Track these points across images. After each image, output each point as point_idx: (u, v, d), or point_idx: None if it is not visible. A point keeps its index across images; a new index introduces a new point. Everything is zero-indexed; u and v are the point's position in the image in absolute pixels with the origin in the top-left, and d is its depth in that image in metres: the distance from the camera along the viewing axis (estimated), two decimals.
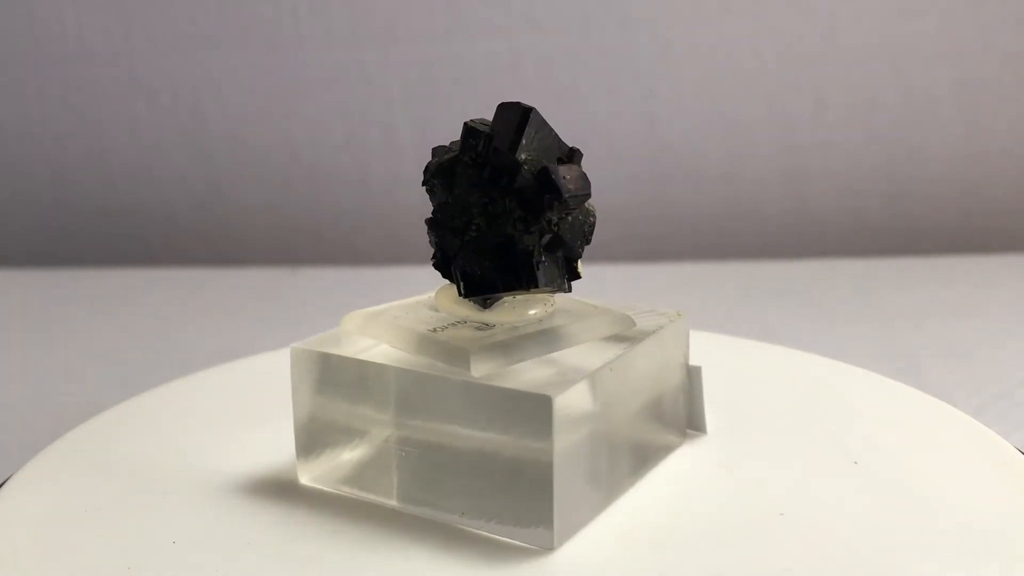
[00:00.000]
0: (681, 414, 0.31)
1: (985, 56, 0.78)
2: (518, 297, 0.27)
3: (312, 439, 0.29)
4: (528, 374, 0.26)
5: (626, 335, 0.28)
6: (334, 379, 0.28)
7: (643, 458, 0.29)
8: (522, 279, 0.26)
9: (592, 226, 0.27)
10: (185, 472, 0.30)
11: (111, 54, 0.85)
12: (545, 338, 0.27)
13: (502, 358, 0.26)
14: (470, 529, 0.26)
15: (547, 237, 0.26)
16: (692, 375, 0.31)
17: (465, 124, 0.26)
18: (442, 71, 0.82)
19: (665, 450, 0.30)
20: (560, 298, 0.29)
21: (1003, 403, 0.48)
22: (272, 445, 0.31)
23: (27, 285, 0.80)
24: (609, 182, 0.83)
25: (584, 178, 0.26)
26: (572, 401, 0.25)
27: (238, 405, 0.35)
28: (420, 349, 0.27)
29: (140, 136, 0.87)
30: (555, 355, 0.27)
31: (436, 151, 0.27)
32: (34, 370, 0.58)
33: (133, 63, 0.85)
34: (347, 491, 0.28)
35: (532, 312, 0.27)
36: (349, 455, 0.28)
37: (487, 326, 0.27)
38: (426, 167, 0.27)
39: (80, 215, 0.89)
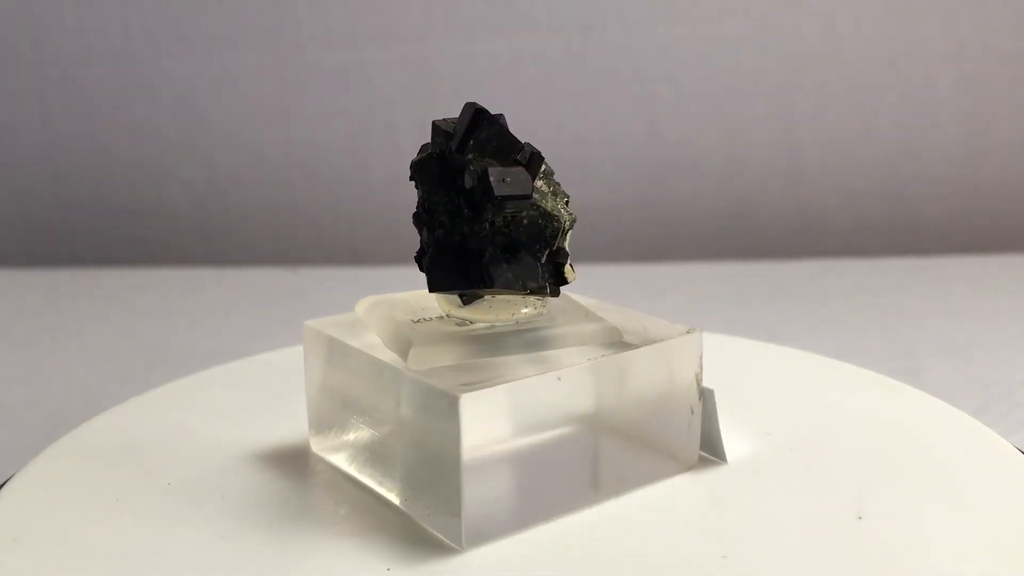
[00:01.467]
0: (690, 437, 0.29)
1: (985, 56, 0.78)
2: (499, 297, 0.27)
3: (319, 412, 0.30)
4: (465, 373, 0.26)
5: (624, 345, 0.27)
6: (333, 359, 0.29)
7: (626, 477, 0.28)
8: (474, 278, 0.26)
9: (556, 231, 0.26)
10: (185, 471, 0.30)
11: (111, 54, 0.85)
12: (511, 340, 0.26)
13: (446, 354, 0.26)
14: (410, 515, 0.26)
15: (500, 238, 0.26)
16: (705, 398, 0.29)
17: (433, 123, 0.27)
18: (442, 71, 0.82)
19: (662, 473, 0.28)
20: (561, 302, 0.29)
21: (1003, 403, 0.48)
22: (272, 441, 0.31)
23: (27, 285, 0.80)
24: (609, 182, 0.83)
25: (525, 181, 0.26)
26: (489, 403, 0.24)
27: (238, 404, 0.35)
28: (389, 339, 0.27)
29: (140, 136, 0.87)
30: (523, 356, 0.27)
31: (423, 148, 0.28)
32: (34, 370, 0.58)
33: (133, 63, 0.85)
34: (341, 464, 0.29)
35: (524, 311, 0.27)
36: (341, 430, 0.29)
37: (467, 323, 0.27)
38: (411, 163, 0.27)
39: (80, 215, 0.89)
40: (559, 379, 0.26)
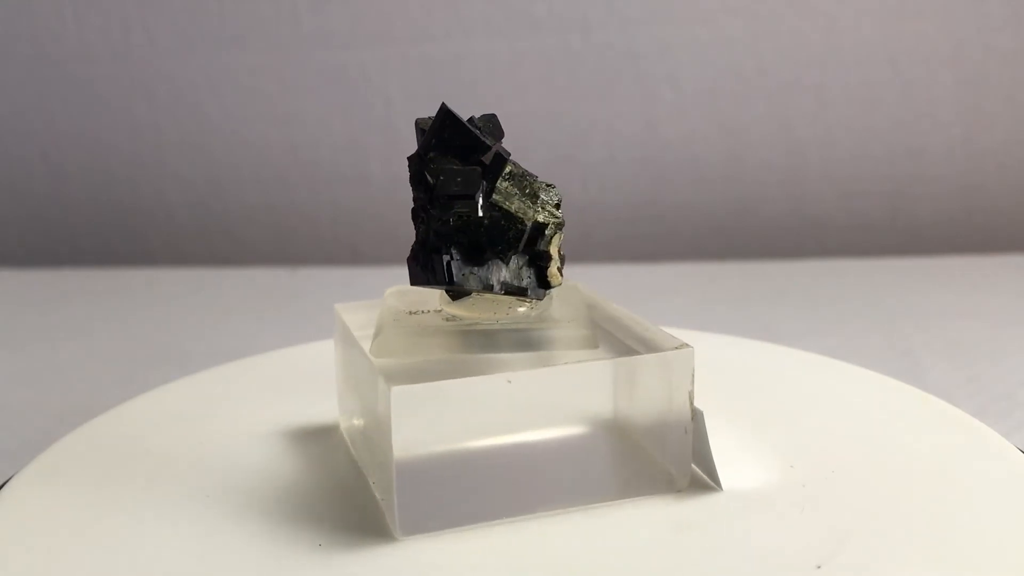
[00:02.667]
0: (678, 459, 0.27)
1: (985, 56, 0.78)
2: (483, 295, 0.27)
3: (342, 393, 0.31)
4: (421, 366, 0.26)
5: (599, 354, 0.27)
6: (346, 343, 0.30)
7: (590, 490, 0.27)
8: (438, 276, 0.26)
9: (520, 233, 0.26)
10: (186, 472, 0.30)
11: (111, 54, 0.85)
12: (481, 339, 0.27)
13: (409, 346, 0.26)
14: (378, 499, 0.27)
15: (462, 237, 0.26)
16: (696, 419, 0.28)
17: (416, 121, 0.27)
18: (442, 71, 0.82)
19: (639, 492, 0.27)
20: (564, 303, 0.29)
21: (1004, 403, 0.48)
22: (274, 442, 0.31)
23: (27, 285, 0.80)
24: (609, 182, 0.83)
25: (474, 182, 0.26)
26: (425, 398, 0.25)
27: (238, 405, 0.35)
28: (376, 327, 0.28)
29: (140, 136, 0.87)
30: (489, 356, 0.27)
31: None
32: (34, 370, 0.58)
33: (133, 63, 0.85)
34: (350, 444, 0.31)
35: (508, 311, 0.27)
36: (351, 412, 0.31)
37: (454, 319, 0.28)
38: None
39: (80, 215, 0.89)
40: (509, 382, 0.26)
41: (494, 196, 0.26)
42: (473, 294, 0.27)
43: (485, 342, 0.27)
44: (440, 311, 0.28)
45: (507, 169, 0.27)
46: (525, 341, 0.27)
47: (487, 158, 0.26)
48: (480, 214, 0.26)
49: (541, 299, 0.27)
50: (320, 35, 0.83)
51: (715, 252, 0.82)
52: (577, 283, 0.32)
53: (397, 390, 0.24)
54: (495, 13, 0.81)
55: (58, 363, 0.59)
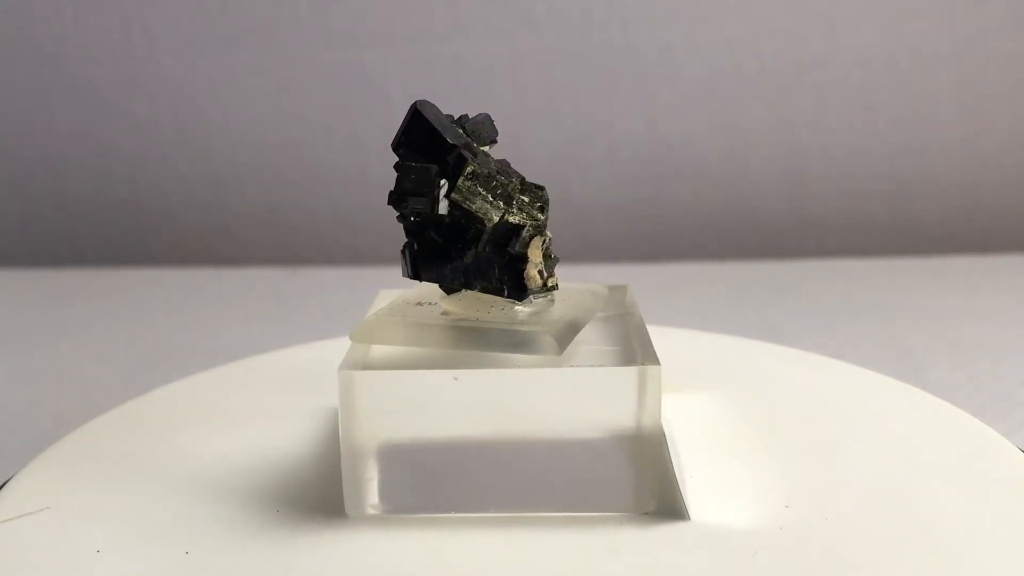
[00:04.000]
0: (640, 479, 0.26)
1: (985, 56, 0.78)
2: (470, 293, 0.28)
3: None
4: (391, 354, 0.27)
5: (554, 361, 0.26)
6: None
7: (543, 499, 0.26)
8: (410, 271, 0.28)
9: (479, 232, 0.27)
10: (187, 472, 0.30)
11: (111, 54, 0.85)
12: (455, 335, 0.27)
13: (387, 335, 0.27)
14: None
15: (426, 232, 0.27)
16: (660, 440, 0.26)
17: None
18: (442, 71, 0.82)
19: (595, 507, 0.26)
20: (565, 305, 0.29)
21: (1003, 403, 0.48)
22: (276, 443, 0.31)
23: (27, 285, 0.80)
24: (609, 182, 0.83)
25: (428, 180, 0.26)
26: (371, 386, 0.25)
27: (239, 405, 0.35)
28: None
29: (140, 136, 0.87)
30: (459, 352, 0.27)
31: None
32: (34, 370, 0.58)
33: (133, 63, 0.85)
34: None
35: (491, 310, 0.27)
36: None
37: (446, 313, 0.28)
38: None
39: (80, 215, 0.89)
40: (455, 379, 0.26)
41: (454, 195, 0.26)
42: (464, 291, 0.28)
43: (455, 338, 0.27)
44: (434, 306, 0.29)
45: (469, 169, 0.26)
46: (488, 340, 0.26)
47: (451, 158, 0.27)
48: (443, 212, 0.27)
49: (521, 300, 0.27)
50: (320, 35, 0.83)
51: (715, 252, 0.82)
52: (626, 286, 0.32)
53: (341, 374, 0.25)
54: (495, 13, 0.81)
55: (58, 363, 0.59)
